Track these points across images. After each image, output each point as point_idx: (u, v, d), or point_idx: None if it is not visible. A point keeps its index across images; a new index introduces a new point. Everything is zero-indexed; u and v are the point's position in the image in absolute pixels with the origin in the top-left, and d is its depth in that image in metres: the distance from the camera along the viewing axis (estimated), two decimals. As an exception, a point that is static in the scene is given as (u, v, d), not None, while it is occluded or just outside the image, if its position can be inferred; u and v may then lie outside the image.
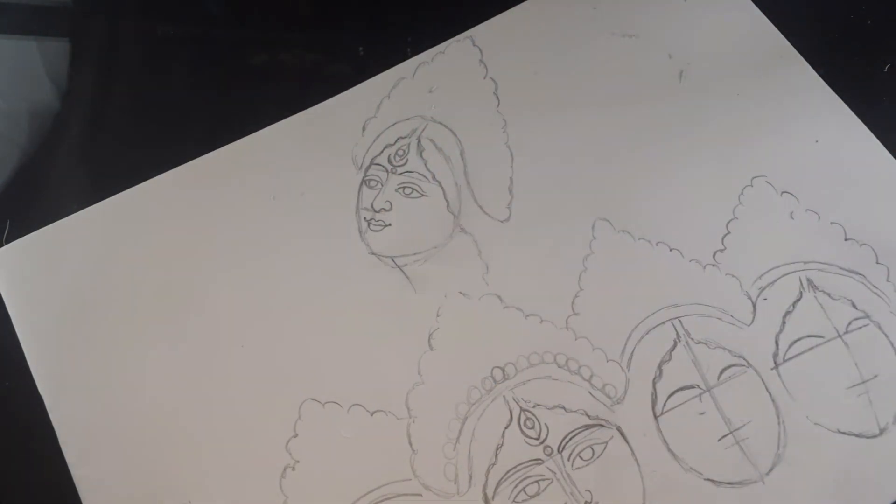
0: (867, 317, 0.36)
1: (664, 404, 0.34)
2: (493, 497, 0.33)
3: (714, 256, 0.37)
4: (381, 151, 0.41)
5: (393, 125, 0.41)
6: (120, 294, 0.38)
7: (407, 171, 0.40)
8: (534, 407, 0.35)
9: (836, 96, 0.41)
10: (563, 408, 0.35)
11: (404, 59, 0.43)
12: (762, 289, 0.36)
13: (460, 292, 0.37)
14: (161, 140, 0.42)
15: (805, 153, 0.40)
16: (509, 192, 0.39)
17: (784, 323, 0.36)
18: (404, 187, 0.40)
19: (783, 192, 0.39)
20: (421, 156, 0.40)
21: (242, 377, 0.36)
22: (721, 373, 0.35)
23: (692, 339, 0.36)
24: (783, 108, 0.41)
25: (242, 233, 0.39)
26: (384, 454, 0.34)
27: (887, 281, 0.37)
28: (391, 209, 0.39)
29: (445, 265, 0.38)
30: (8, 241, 0.39)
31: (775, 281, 0.37)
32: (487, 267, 0.38)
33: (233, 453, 0.35)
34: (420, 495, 0.34)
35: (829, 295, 0.36)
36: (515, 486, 0.34)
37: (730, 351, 0.35)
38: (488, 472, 0.34)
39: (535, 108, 0.41)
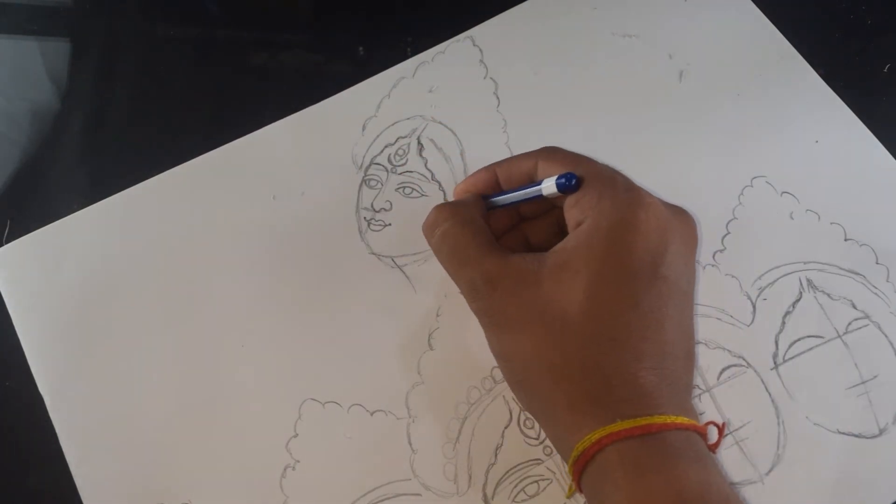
0: (867, 317, 0.36)
1: (664, 404, 0.34)
2: (492, 497, 0.33)
3: (714, 256, 0.37)
4: (381, 151, 0.41)
5: (393, 125, 0.41)
6: (120, 293, 0.38)
7: (407, 171, 0.40)
8: (534, 407, 0.35)
9: (836, 96, 0.41)
10: (563, 408, 0.35)
11: (404, 59, 0.43)
12: (762, 289, 0.36)
13: (460, 292, 0.37)
14: (161, 140, 0.42)
15: (805, 153, 0.40)
16: (509, 192, 0.39)
17: (784, 323, 0.36)
18: (404, 187, 0.40)
19: (783, 193, 0.39)
20: (421, 155, 0.40)
21: (242, 377, 0.36)
22: (721, 373, 0.35)
23: (692, 339, 0.36)
24: (783, 108, 0.41)
25: (242, 233, 0.39)
26: (384, 454, 0.34)
27: (887, 281, 0.37)
28: (391, 209, 0.39)
29: (445, 265, 0.38)
30: (8, 241, 0.39)
31: (775, 281, 0.37)
32: (487, 267, 0.38)
33: (233, 453, 0.35)
34: (420, 495, 0.34)
35: (828, 295, 0.36)
36: (515, 486, 0.34)
37: (729, 351, 0.35)
38: (488, 471, 0.34)
39: (535, 108, 0.41)
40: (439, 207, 0.33)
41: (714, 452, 0.31)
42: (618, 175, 0.32)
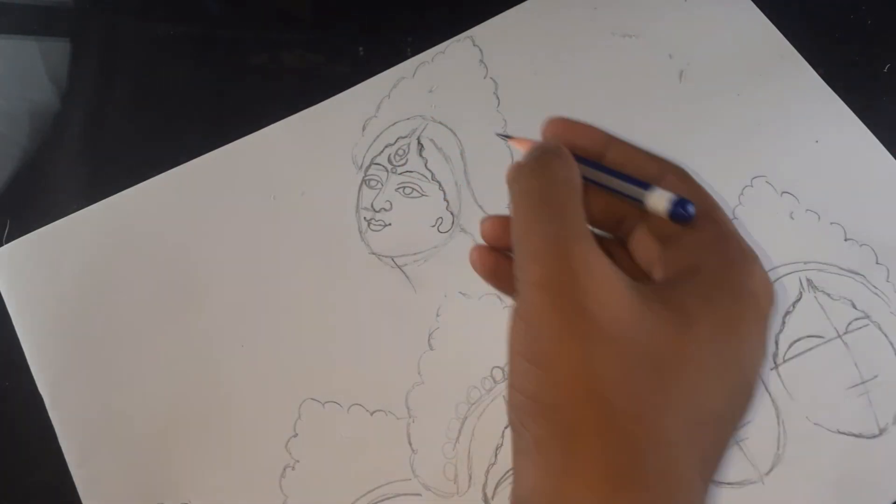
0: (867, 317, 0.36)
1: (664, 404, 0.34)
2: (492, 497, 0.33)
3: (714, 256, 0.37)
4: (382, 151, 0.41)
5: (393, 125, 0.41)
6: (120, 293, 0.38)
7: (407, 171, 0.40)
8: (534, 407, 0.35)
9: (836, 96, 0.41)
10: (563, 408, 0.35)
11: (404, 59, 0.43)
12: (762, 289, 0.36)
13: (460, 292, 0.37)
14: (161, 140, 0.42)
15: (805, 153, 0.40)
16: (509, 192, 0.39)
17: (784, 323, 0.36)
18: (404, 187, 0.40)
19: (783, 192, 0.39)
20: (421, 155, 0.40)
21: (242, 377, 0.36)
22: (721, 373, 0.35)
23: (692, 339, 0.36)
24: (783, 108, 0.41)
25: (242, 233, 0.39)
26: (384, 454, 0.34)
27: (887, 281, 0.37)
28: (391, 209, 0.39)
29: (445, 265, 0.38)
30: (8, 241, 0.39)
31: (775, 281, 0.37)
32: (487, 267, 0.38)
33: (233, 453, 0.35)
34: (420, 495, 0.34)
35: (829, 295, 0.36)
36: (515, 486, 0.34)
37: (730, 351, 0.35)
38: (488, 471, 0.34)
39: (535, 108, 0.41)
40: (540, 154, 0.26)
41: None
42: (738, 235, 0.25)
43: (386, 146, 0.41)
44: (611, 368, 0.21)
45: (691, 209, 0.24)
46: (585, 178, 0.26)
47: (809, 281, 0.37)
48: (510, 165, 0.26)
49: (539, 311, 0.22)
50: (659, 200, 0.24)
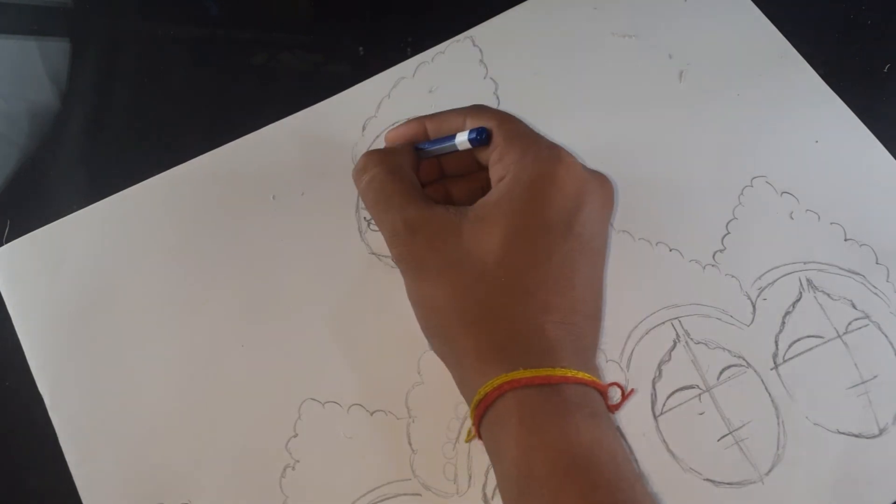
0: (867, 317, 0.36)
1: (664, 404, 0.35)
2: (492, 497, 0.33)
3: (714, 256, 0.37)
4: (381, 151, 0.41)
5: (393, 125, 0.41)
6: (120, 293, 0.38)
7: (407, 171, 0.40)
8: (533, 407, 0.35)
9: (836, 96, 0.41)
10: (563, 408, 0.35)
11: (404, 59, 0.43)
12: (762, 289, 0.36)
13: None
14: (161, 140, 0.42)
15: (805, 153, 0.40)
16: (509, 192, 0.39)
17: (784, 323, 0.36)
18: (404, 187, 0.40)
19: (783, 192, 0.39)
20: (421, 156, 0.40)
21: (242, 377, 0.36)
22: (721, 373, 0.35)
23: (692, 339, 0.36)
24: (783, 108, 0.41)
25: (242, 233, 0.39)
26: (384, 454, 0.34)
27: (887, 281, 0.37)
28: (391, 209, 0.39)
29: (445, 265, 0.38)
30: (8, 241, 0.39)
31: (775, 281, 0.37)
32: (487, 267, 0.37)
33: (233, 453, 0.35)
34: (420, 495, 0.34)
35: (828, 295, 0.36)
36: (515, 486, 0.34)
37: (729, 351, 0.35)
38: (488, 471, 0.34)
39: (535, 108, 0.41)
40: (369, 153, 0.34)
41: (613, 413, 0.32)
42: (541, 136, 0.33)
43: (386, 146, 0.41)
44: (451, 289, 0.30)
45: (483, 133, 0.32)
46: (426, 157, 0.35)
47: (809, 281, 0.37)
48: (353, 169, 0.35)
49: (403, 275, 0.33)
50: (462, 141, 0.33)
